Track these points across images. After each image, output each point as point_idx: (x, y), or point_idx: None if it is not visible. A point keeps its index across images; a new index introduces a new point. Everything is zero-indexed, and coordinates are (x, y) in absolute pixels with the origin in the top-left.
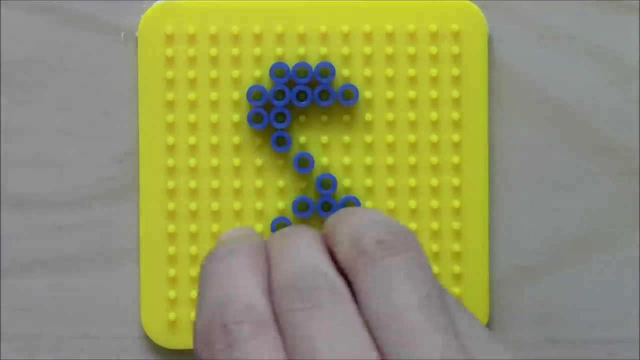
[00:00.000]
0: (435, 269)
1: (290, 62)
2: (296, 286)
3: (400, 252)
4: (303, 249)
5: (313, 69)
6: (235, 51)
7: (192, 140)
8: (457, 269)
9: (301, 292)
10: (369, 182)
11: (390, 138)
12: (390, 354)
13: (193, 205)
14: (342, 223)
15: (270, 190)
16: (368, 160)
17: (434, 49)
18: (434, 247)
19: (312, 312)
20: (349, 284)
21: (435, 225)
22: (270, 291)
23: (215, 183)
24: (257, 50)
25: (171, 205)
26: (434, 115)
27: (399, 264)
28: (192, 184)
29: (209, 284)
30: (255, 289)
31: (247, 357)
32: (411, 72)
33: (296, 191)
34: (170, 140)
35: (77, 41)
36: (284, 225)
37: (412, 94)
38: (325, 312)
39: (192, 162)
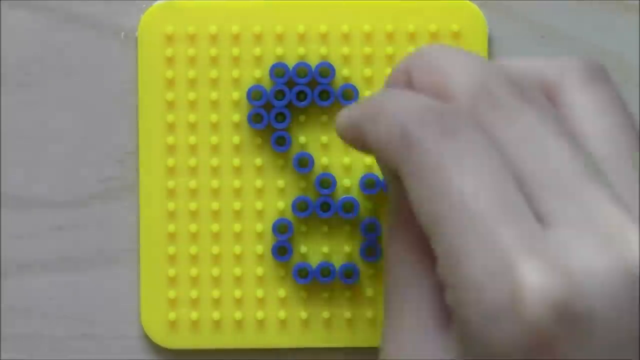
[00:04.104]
0: None
1: (290, 62)
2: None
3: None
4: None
5: (313, 69)
6: (235, 51)
7: (192, 140)
8: None
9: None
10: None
11: None
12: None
13: (193, 205)
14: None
15: (270, 190)
16: (368, 160)
17: None
18: None
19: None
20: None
21: None
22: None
23: (215, 183)
24: (257, 50)
25: (171, 205)
26: None
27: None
28: (192, 184)
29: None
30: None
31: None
32: None
33: (296, 191)
34: (170, 140)
35: (77, 41)
36: (285, 226)
37: None
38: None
39: (192, 162)
